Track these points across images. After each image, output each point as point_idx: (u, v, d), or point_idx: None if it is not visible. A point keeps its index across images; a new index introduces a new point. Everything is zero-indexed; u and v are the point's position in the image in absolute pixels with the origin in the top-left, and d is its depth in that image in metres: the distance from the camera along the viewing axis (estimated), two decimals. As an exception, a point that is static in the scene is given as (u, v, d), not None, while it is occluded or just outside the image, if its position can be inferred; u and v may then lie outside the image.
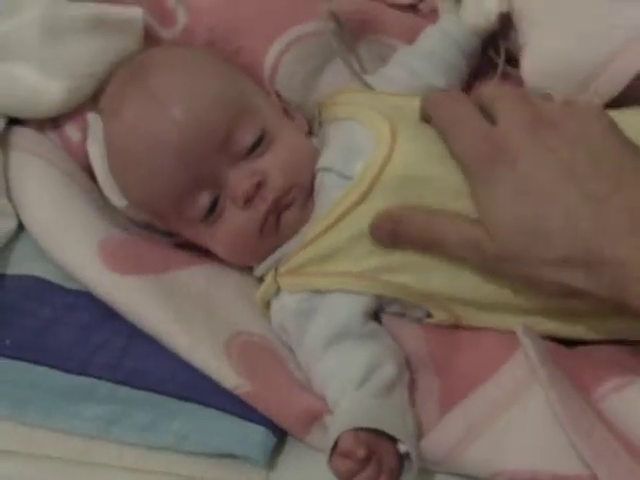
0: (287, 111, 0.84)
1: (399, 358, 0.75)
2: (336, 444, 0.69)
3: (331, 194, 0.76)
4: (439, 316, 0.77)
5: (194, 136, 0.75)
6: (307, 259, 0.76)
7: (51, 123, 0.86)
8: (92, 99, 0.84)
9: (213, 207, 0.77)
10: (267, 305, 0.80)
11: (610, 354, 0.77)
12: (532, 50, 0.85)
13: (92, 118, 0.82)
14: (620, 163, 0.67)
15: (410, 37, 0.91)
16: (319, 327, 0.75)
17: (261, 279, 0.81)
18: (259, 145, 0.77)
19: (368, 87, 0.85)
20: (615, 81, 0.80)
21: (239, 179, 0.76)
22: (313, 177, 0.79)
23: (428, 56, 0.87)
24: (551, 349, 0.75)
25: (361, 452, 0.67)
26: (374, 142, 0.75)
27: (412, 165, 0.74)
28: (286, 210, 0.77)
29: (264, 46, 0.86)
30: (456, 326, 0.78)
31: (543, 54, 0.84)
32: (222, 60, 0.83)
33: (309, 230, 0.77)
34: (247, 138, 0.77)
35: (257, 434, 0.73)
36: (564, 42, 0.82)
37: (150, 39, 0.87)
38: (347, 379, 0.73)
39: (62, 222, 0.79)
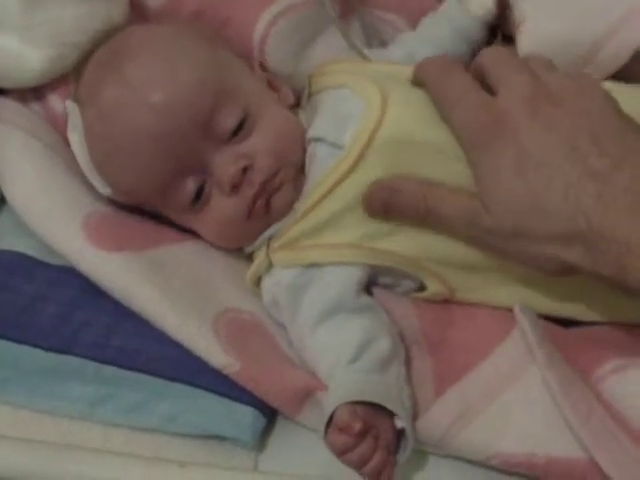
0: (272, 83, 0.82)
1: (394, 333, 0.74)
2: (331, 419, 0.67)
3: (323, 164, 0.75)
4: (432, 287, 0.76)
5: (174, 122, 0.73)
6: (300, 232, 0.75)
7: (34, 93, 0.85)
8: (76, 68, 0.82)
9: (199, 194, 0.76)
10: (258, 282, 0.78)
11: (608, 335, 0.76)
12: (529, 28, 0.84)
13: (70, 106, 0.79)
14: (623, 142, 0.66)
15: (408, 13, 0.91)
16: (313, 301, 0.74)
17: (250, 256, 0.79)
18: (242, 128, 0.75)
19: (362, 55, 0.84)
20: (616, 56, 0.79)
21: (224, 164, 0.74)
22: (303, 151, 0.77)
23: (432, 43, 0.86)
24: (549, 329, 0.74)
25: (357, 426, 0.66)
26: (364, 109, 0.74)
27: (404, 129, 0.73)
28: (276, 192, 0.76)
29: (253, 16, 0.83)
30: (449, 302, 0.77)
31: (540, 32, 0.83)
32: (203, 37, 0.80)
33: (301, 203, 0.75)
34: (229, 121, 0.74)
35: (246, 415, 0.72)
36: (561, 19, 0.82)
37: (137, 8, 0.85)
38: (342, 353, 0.72)
39: (45, 197, 0.78)
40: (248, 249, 0.79)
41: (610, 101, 0.69)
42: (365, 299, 0.75)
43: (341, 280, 0.74)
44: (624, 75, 0.80)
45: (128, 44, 0.77)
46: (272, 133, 0.76)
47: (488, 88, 0.71)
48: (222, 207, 0.76)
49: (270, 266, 0.76)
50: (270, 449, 0.74)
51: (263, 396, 0.72)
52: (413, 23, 0.91)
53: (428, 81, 0.74)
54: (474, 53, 0.88)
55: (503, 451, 0.70)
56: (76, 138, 0.78)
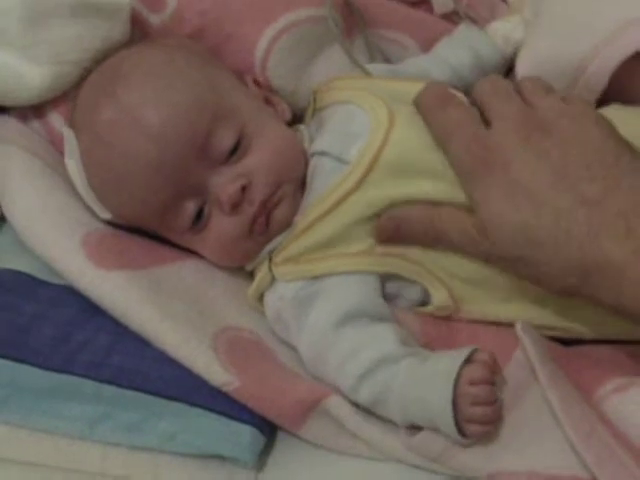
0: (268, 99, 0.82)
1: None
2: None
3: (326, 179, 0.75)
4: (438, 297, 0.76)
5: (170, 147, 0.73)
6: (304, 247, 0.75)
7: (34, 112, 0.85)
8: (77, 86, 0.81)
9: (199, 215, 0.76)
10: (260, 298, 0.78)
11: (610, 354, 0.76)
12: (524, 52, 0.86)
13: (66, 132, 0.79)
14: (617, 164, 0.67)
15: (413, 31, 0.92)
16: (324, 310, 0.73)
17: (251, 274, 0.79)
18: (239, 147, 0.75)
19: (365, 72, 0.84)
20: (603, 70, 0.79)
21: (222, 185, 0.74)
22: (302, 166, 0.77)
23: (450, 67, 0.87)
24: (551, 348, 0.74)
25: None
26: (371, 126, 0.75)
27: (409, 151, 0.74)
28: (275, 208, 0.76)
29: (256, 33, 0.83)
30: (453, 321, 0.77)
31: (533, 54, 0.84)
32: (196, 56, 0.80)
33: (303, 217, 0.75)
34: (225, 142, 0.74)
35: (246, 434, 0.71)
36: (550, 39, 0.83)
37: (138, 25, 0.85)
38: (384, 349, 0.71)
39: (45, 215, 0.77)
40: (249, 267, 0.79)
41: (604, 124, 0.70)
42: (383, 305, 0.75)
43: (354, 288, 0.74)
44: (614, 94, 0.80)
45: (121, 69, 0.77)
46: (269, 151, 0.76)
47: (485, 120, 0.71)
48: (223, 226, 0.75)
49: (273, 281, 0.76)
50: (270, 468, 0.73)
51: (264, 412, 0.72)
52: (420, 42, 0.92)
53: (425, 111, 0.74)
54: None
55: (504, 469, 0.69)
56: (73, 164, 0.79)
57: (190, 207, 0.75)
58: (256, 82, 0.83)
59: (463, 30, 0.90)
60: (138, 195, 0.75)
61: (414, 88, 0.76)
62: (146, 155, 0.73)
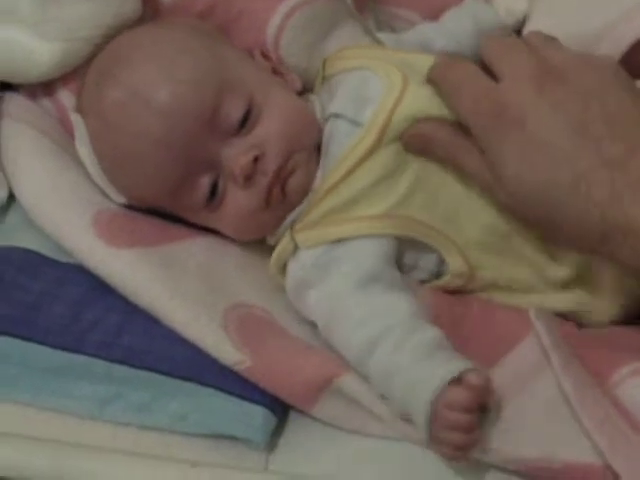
0: (277, 70, 0.82)
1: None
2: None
3: (342, 142, 0.75)
4: (453, 263, 0.75)
5: (179, 123, 0.72)
6: (324, 212, 0.74)
7: (44, 89, 0.84)
8: (87, 63, 0.81)
9: (214, 191, 0.75)
10: (282, 270, 0.77)
11: (624, 337, 0.75)
12: (531, 25, 0.85)
13: (75, 118, 0.79)
14: (637, 121, 0.64)
15: (422, 8, 0.92)
16: (345, 274, 0.73)
17: (269, 249, 0.78)
18: (249, 118, 0.74)
19: (379, 42, 0.84)
20: (615, 50, 0.78)
21: (235, 157, 0.73)
22: (314, 133, 0.76)
23: (452, 36, 0.86)
24: (566, 332, 0.73)
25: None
26: (386, 88, 0.74)
27: (423, 107, 0.73)
28: (290, 177, 0.75)
29: (268, 9, 0.83)
30: (468, 298, 0.77)
31: (542, 28, 0.81)
32: (200, 32, 0.79)
33: (322, 183, 0.75)
34: (234, 113, 0.74)
35: (257, 415, 0.70)
36: (557, 16, 0.82)
37: (149, 2, 0.84)
38: (396, 320, 0.70)
39: (54, 194, 0.77)
40: (271, 240, 0.78)
41: (623, 78, 0.67)
42: (398, 275, 0.74)
43: (372, 252, 0.73)
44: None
45: (123, 50, 0.77)
46: (280, 119, 0.75)
47: (495, 77, 0.69)
48: (239, 200, 0.75)
49: (295, 249, 0.75)
50: (281, 449, 0.72)
51: (276, 391, 0.71)
52: (428, 19, 0.91)
53: (434, 71, 0.73)
54: None
55: (520, 456, 0.68)
56: (84, 149, 0.78)
57: (204, 183, 0.75)
58: (263, 55, 0.82)
59: (469, 2, 0.90)
60: (151, 174, 0.75)
61: (423, 59, 0.76)
62: (155, 132, 0.73)
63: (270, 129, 0.74)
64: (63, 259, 0.78)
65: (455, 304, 0.76)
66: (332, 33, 0.84)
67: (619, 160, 0.62)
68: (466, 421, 0.65)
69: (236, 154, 0.73)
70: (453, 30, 0.87)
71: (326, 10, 0.83)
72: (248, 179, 0.73)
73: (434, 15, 0.91)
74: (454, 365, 0.67)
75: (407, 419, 0.69)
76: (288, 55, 0.83)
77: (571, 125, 0.64)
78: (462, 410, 0.65)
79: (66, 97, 0.83)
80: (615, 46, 0.78)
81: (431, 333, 0.70)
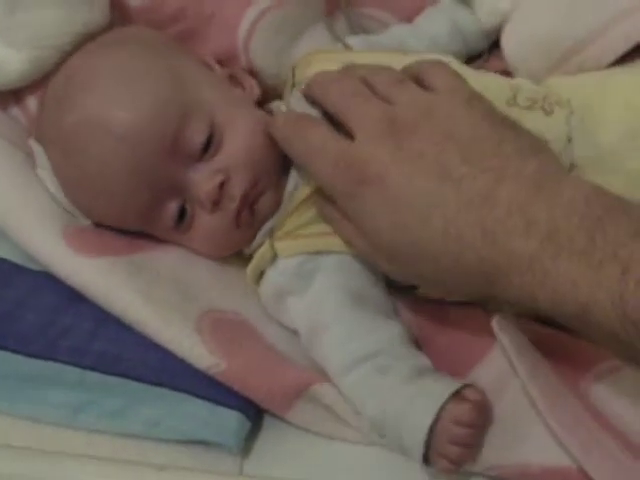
0: (234, 78, 0.81)
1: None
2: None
3: None
4: None
5: (141, 150, 0.72)
6: (304, 221, 0.74)
7: (13, 97, 0.84)
8: (56, 71, 0.80)
9: (182, 215, 0.75)
10: (257, 278, 0.76)
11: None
12: (514, 20, 0.85)
13: (34, 146, 0.78)
14: (496, 152, 0.62)
15: (395, 9, 0.92)
16: (325, 287, 0.73)
17: (240, 257, 0.78)
18: (212, 142, 0.73)
19: (347, 48, 0.83)
20: (605, 54, 0.78)
21: (200, 182, 0.73)
22: (280, 151, 0.74)
23: (427, 38, 0.86)
24: (534, 333, 0.72)
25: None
26: None
27: None
28: (258, 200, 0.75)
29: (238, 13, 0.83)
30: (445, 305, 0.75)
31: (524, 26, 0.83)
32: (157, 48, 0.78)
33: (299, 192, 0.74)
34: (197, 138, 0.73)
35: (231, 419, 0.70)
36: (550, 13, 0.81)
37: (118, 7, 0.84)
38: (385, 341, 0.71)
39: (25, 204, 0.76)
40: (248, 251, 0.77)
41: (476, 105, 0.66)
42: (381, 290, 0.74)
43: (355, 265, 0.73)
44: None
45: (81, 75, 0.76)
46: (243, 142, 0.74)
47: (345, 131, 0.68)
48: (208, 224, 0.74)
49: (274, 257, 0.74)
50: (256, 453, 0.72)
51: (251, 395, 0.71)
52: (402, 20, 0.91)
53: (281, 139, 0.72)
54: (469, 53, 0.88)
55: (498, 463, 0.68)
56: (46, 175, 0.77)
57: (172, 207, 0.74)
58: (219, 62, 0.81)
59: (446, 3, 0.89)
60: (116, 201, 0.74)
61: (393, 59, 0.75)
62: (117, 159, 0.72)
63: (234, 153, 0.73)
64: (36, 267, 0.77)
65: (433, 315, 0.76)
66: (302, 37, 0.84)
67: (484, 195, 0.60)
68: (470, 436, 0.66)
69: (201, 180, 0.73)
70: (429, 31, 0.87)
71: (296, 14, 0.84)
72: (215, 204, 0.73)
73: (408, 16, 0.91)
74: (451, 382, 0.67)
75: (381, 435, 0.70)
76: (258, 59, 0.83)
77: (431, 173, 0.62)
78: (467, 425, 0.66)
79: (35, 105, 0.83)
80: (602, 53, 0.78)
81: (421, 359, 0.71)
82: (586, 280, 0.56)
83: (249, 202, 0.74)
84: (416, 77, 0.70)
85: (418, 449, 0.66)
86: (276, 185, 0.75)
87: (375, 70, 0.71)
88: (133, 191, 0.73)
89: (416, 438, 0.66)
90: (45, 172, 0.78)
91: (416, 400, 0.67)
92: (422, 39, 0.86)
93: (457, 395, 0.66)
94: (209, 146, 0.73)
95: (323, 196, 0.72)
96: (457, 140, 0.63)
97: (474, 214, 0.60)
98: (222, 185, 0.72)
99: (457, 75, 0.69)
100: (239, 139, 0.74)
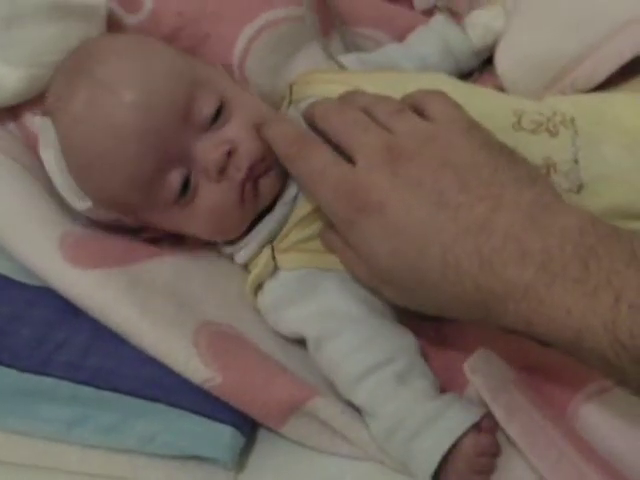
0: (239, 83, 0.82)
1: None
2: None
3: None
4: None
5: (152, 116, 0.72)
6: (307, 235, 0.74)
7: (9, 113, 0.84)
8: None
9: (185, 186, 0.74)
10: (256, 290, 0.77)
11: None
12: (508, 40, 0.86)
13: (40, 122, 0.78)
14: (493, 180, 0.63)
15: (390, 28, 0.92)
16: (338, 296, 0.73)
17: (236, 266, 0.79)
18: (221, 114, 0.74)
19: (341, 67, 0.84)
20: (599, 71, 0.79)
21: (207, 150, 0.73)
22: None
23: (418, 58, 0.87)
24: (522, 357, 0.72)
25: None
26: None
27: None
28: (263, 177, 0.75)
29: (234, 32, 0.83)
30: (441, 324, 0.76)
31: (518, 45, 0.84)
32: (168, 44, 0.80)
33: (303, 205, 0.75)
34: (207, 108, 0.73)
35: (225, 434, 0.70)
36: (542, 33, 0.82)
37: (114, 26, 0.84)
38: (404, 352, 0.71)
39: (21, 217, 0.76)
40: (241, 259, 0.77)
41: (474, 133, 0.66)
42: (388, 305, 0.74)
43: (356, 283, 0.73)
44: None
45: (96, 50, 0.77)
46: (251, 118, 0.75)
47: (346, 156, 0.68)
48: (212, 195, 0.74)
49: (275, 270, 0.75)
50: (250, 468, 0.72)
51: (246, 409, 0.71)
52: (396, 39, 0.92)
53: (288, 163, 0.72)
54: (460, 71, 0.89)
55: None
56: (51, 153, 0.77)
57: (176, 177, 0.74)
58: (225, 68, 0.82)
59: (436, 21, 0.90)
60: (122, 169, 0.73)
61: (389, 79, 0.76)
62: (127, 125, 0.72)
63: (243, 126, 0.74)
64: (31, 282, 0.77)
65: (426, 335, 0.76)
66: (297, 55, 0.85)
67: (481, 224, 0.61)
68: (492, 465, 0.68)
69: (209, 148, 0.73)
70: (420, 51, 0.88)
71: (291, 32, 0.84)
72: (221, 172, 0.73)
73: (401, 35, 0.92)
74: (472, 409, 0.68)
75: (385, 443, 0.70)
76: (254, 77, 0.84)
77: (429, 201, 0.63)
78: (491, 455, 0.67)
79: (31, 120, 0.83)
80: (597, 69, 0.79)
81: (430, 377, 0.71)
82: (580, 307, 0.57)
83: (255, 175, 0.74)
84: (415, 106, 0.70)
85: (428, 469, 0.66)
86: (280, 171, 0.75)
87: (375, 99, 0.72)
88: (140, 158, 0.73)
89: (430, 458, 0.67)
90: (48, 150, 0.77)
91: (438, 421, 0.67)
92: (413, 59, 0.87)
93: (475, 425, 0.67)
94: (217, 118, 0.74)
95: (324, 221, 0.73)
96: (455, 168, 0.64)
97: (471, 242, 0.61)
98: (229, 154, 0.73)
99: (456, 104, 0.70)
100: (248, 114, 0.75)
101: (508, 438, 0.68)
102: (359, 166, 0.66)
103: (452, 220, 0.62)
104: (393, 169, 0.64)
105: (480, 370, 0.69)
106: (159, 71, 0.73)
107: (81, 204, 0.77)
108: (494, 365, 0.70)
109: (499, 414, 0.67)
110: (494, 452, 0.68)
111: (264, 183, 0.75)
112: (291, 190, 0.76)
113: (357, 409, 0.71)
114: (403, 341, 0.72)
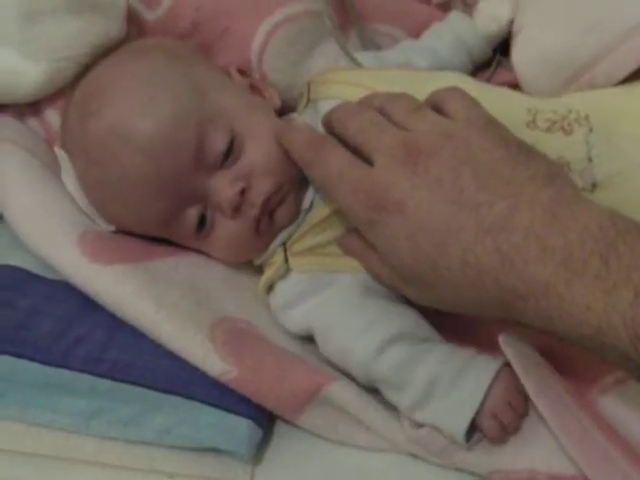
0: (255, 87, 0.82)
1: None
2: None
3: None
4: None
5: (163, 161, 0.72)
6: (321, 240, 0.75)
7: (31, 109, 0.84)
8: (73, 83, 0.81)
9: (202, 222, 0.75)
10: (268, 290, 0.77)
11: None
12: (525, 39, 0.85)
13: (59, 154, 0.79)
14: (512, 178, 0.63)
15: (407, 25, 0.92)
16: (347, 286, 0.74)
17: (253, 266, 0.79)
18: (232, 149, 0.74)
19: (358, 64, 0.84)
20: (617, 70, 0.79)
21: (221, 189, 0.74)
22: None
23: (430, 54, 0.87)
24: (544, 345, 0.72)
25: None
26: None
27: None
28: (278, 207, 0.75)
29: (252, 27, 0.83)
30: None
31: (535, 44, 0.83)
32: (180, 58, 0.78)
33: (319, 209, 0.75)
34: (218, 147, 0.73)
35: (242, 427, 0.71)
36: (560, 32, 0.82)
37: (134, 21, 0.85)
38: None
39: (42, 213, 0.77)
40: (258, 261, 0.78)
41: (492, 130, 0.66)
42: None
43: (369, 283, 0.74)
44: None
45: (102, 85, 0.77)
46: (264, 149, 0.75)
47: (365, 158, 0.68)
48: (228, 230, 0.75)
49: (287, 272, 0.75)
50: (267, 461, 0.73)
51: (263, 401, 0.71)
52: (413, 35, 0.92)
53: (305, 166, 0.72)
54: (475, 65, 0.89)
55: (505, 467, 0.69)
56: (71, 183, 0.78)
57: (192, 214, 0.75)
58: (240, 71, 0.82)
59: (451, 17, 0.90)
60: (138, 210, 0.75)
61: (407, 78, 0.76)
62: (139, 170, 0.73)
63: (255, 160, 0.74)
64: (50, 276, 0.78)
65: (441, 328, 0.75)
66: (315, 50, 0.85)
67: (501, 222, 0.61)
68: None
69: (222, 186, 0.73)
70: (433, 47, 0.88)
71: (309, 27, 0.84)
72: (236, 210, 0.73)
73: (418, 31, 0.92)
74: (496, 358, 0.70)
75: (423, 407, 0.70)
76: (272, 72, 0.84)
77: (448, 200, 0.63)
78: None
79: (53, 116, 0.84)
80: (616, 68, 0.78)
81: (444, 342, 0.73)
82: (600, 304, 0.57)
83: (269, 209, 0.75)
84: (433, 104, 0.70)
85: (472, 407, 0.68)
86: (297, 193, 0.76)
87: (392, 98, 0.71)
88: (154, 200, 0.74)
89: (474, 397, 0.68)
90: (69, 180, 0.78)
91: (473, 364, 0.70)
92: (426, 55, 0.87)
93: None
94: (230, 154, 0.74)
95: (339, 226, 0.74)
96: (474, 166, 0.63)
97: (491, 241, 0.60)
98: (243, 192, 0.73)
99: (474, 101, 0.69)
100: (260, 146, 0.75)
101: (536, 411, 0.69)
102: (377, 166, 0.66)
103: (472, 219, 0.61)
104: (412, 168, 0.64)
105: (513, 344, 0.69)
106: (168, 113, 0.73)
107: (104, 226, 0.79)
108: (525, 344, 0.70)
109: (530, 387, 0.68)
110: (524, 393, 0.69)
111: (280, 212, 0.75)
112: (307, 200, 0.76)
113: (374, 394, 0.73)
114: (411, 316, 0.73)
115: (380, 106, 0.71)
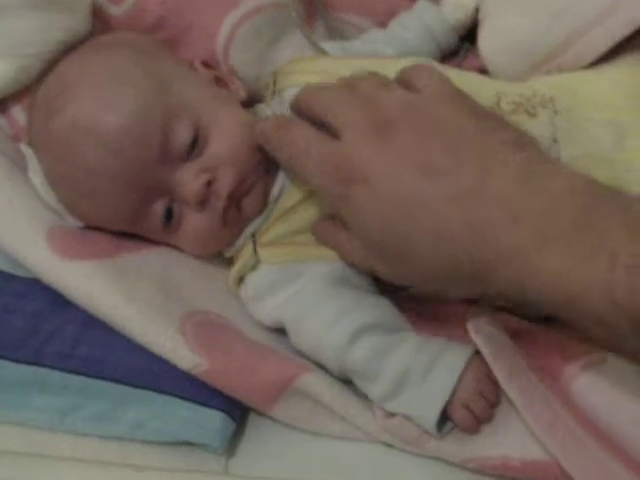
0: (220, 79, 0.82)
1: None
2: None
3: None
4: None
5: (128, 154, 0.72)
6: (289, 230, 0.75)
7: (-3, 107, 0.84)
8: (39, 79, 0.80)
9: (170, 215, 0.75)
10: (239, 282, 0.77)
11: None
12: (491, 26, 0.85)
13: (25, 150, 0.79)
14: (482, 145, 0.62)
15: (374, 14, 0.92)
16: (318, 274, 0.73)
17: (223, 258, 0.79)
18: (197, 142, 0.74)
19: (324, 54, 0.84)
20: (585, 55, 0.79)
21: (187, 182, 0.73)
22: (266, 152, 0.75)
23: (399, 43, 0.87)
24: (514, 329, 0.72)
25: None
26: None
27: None
28: (245, 197, 0.75)
29: (217, 20, 0.83)
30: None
31: (503, 31, 0.83)
32: (142, 53, 0.78)
33: (286, 198, 0.75)
34: (182, 140, 0.73)
35: (215, 420, 0.71)
36: (527, 18, 0.82)
37: (99, 16, 0.84)
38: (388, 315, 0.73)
39: (9, 210, 0.77)
40: (228, 253, 0.78)
41: (461, 102, 0.66)
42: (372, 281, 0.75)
43: (341, 272, 0.74)
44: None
45: (66, 82, 0.76)
46: (229, 141, 0.75)
47: (331, 132, 0.68)
48: (195, 223, 0.75)
49: (257, 263, 0.75)
50: (241, 453, 0.73)
51: (234, 392, 0.71)
52: (380, 25, 0.91)
53: (267, 144, 0.72)
54: (443, 53, 0.89)
55: (478, 455, 0.69)
56: (37, 180, 0.78)
57: (159, 208, 0.75)
58: (205, 64, 0.82)
59: (418, 6, 0.90)
60: (105, 205, 0.75)
61: (373, 65, 0.75)
62: (104, 166, 0.73)
63: (220, 151, 0.74)
64: (21, 274, 0.77)
65: (418, 315, 0.76)
66: (281, 41, 0.85)
67: (470, 189, 0.60)
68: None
69: (187, 179, 0.73)
70: (400, 36, 0.87)
71: (274, 19, 0.84)
72: (202, 203, 0.73)
73: (385, 20, 0.91)
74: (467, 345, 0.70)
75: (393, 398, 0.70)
76: (238, 64, 0.84)
77: (417, 168, 0.62)
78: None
79: (19, 113, 0.83)
80: (586, 51, 0.78)
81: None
82: (573, 270, 0.56)
83: (236, 200, 0.75)
84: (402, 81, 0.70)
85: (442, 398, 0.68)
86: (263, 183, 0.76)
87: (360, 76, 0.72)
88: (120, 195, 0.74)
89: (445, 387, 0.68)
90: (36, 176, 0.78)
91: (446, 352, 0.70)
92: (394, 44, 0.86)
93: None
94: (194, 146, 0.74)
95: (312, 213, 0.73)
96: (442, 136, 0.63)
97: (461, 210, 0.60)
98: (209, 184, 0.73)
99: (442, 76, 0.69)
100: (224, 138, 0.75)
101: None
102: (344, 140, 0.66)
103: (441, 187, 0.61)
104: (379, 140, 0.64)
105: (482, 331, 0.69)
106: (131, 108, 0.73)
107: (73, 221, 0.79)
108: (495, 328, 0.70)
109: (500, 374, 0.68)
110: (495, 382, 0.69)
111: (247, 202, 0.75)
112: (275, 190, 0.76)
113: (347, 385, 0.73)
114: (383, 306, 0.73)
115: (348, 84, 0.71)
